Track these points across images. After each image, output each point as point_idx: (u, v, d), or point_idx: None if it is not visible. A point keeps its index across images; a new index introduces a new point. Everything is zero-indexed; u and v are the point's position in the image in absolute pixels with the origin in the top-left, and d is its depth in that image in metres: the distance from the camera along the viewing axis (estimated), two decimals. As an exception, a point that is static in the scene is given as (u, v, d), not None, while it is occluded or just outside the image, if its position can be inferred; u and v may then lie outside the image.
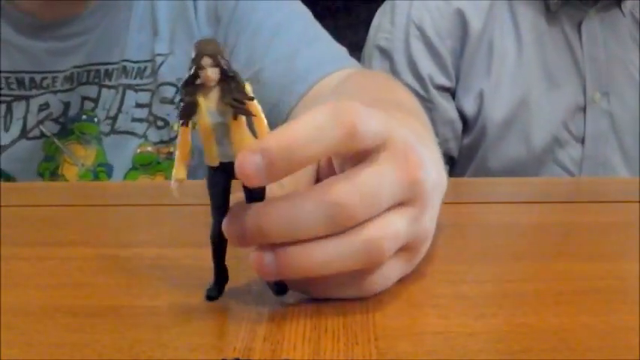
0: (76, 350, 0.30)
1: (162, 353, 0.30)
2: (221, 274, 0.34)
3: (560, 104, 0.98)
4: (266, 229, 0.31)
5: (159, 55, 0.79)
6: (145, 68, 0.79)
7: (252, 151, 0.30)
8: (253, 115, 0.31)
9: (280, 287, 0.34)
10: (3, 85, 0.77)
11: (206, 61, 0.30)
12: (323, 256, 0.32)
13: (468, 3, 0.98)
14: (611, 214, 0.53)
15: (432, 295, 0.36)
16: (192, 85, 0.31)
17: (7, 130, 0.77)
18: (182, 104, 0.31)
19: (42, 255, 0.43)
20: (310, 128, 0.31)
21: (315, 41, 0.78)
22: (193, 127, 0.32)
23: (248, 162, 0.30)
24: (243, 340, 0.31)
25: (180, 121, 0.31)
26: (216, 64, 0.30)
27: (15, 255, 0.43)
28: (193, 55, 0.30)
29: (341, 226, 0.32)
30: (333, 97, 0.61)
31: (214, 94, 0.31)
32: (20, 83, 0.77)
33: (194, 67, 0.30)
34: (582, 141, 0.99)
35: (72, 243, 0.46)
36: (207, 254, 0.42)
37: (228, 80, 0.30)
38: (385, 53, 1.00)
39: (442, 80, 0.99)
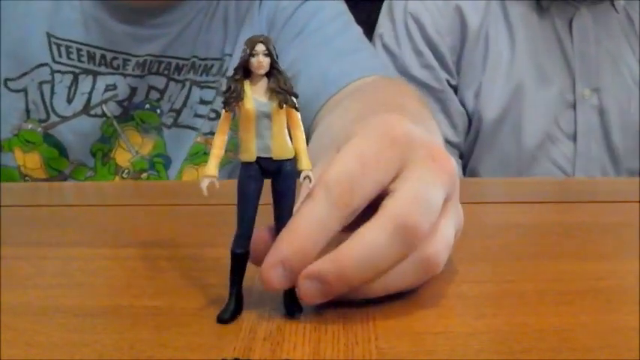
0: (76, 350, 0.30)
1: (162, 353, 0.30)
2: (237, 300, 0.33)
3: (550, 100, 0.98)
4: (350, 274, 0.32)
5: (227, 55, 0.81)
6: (212, 66, 0.81)
7: (272, 265, 0.31)
8: (296, 109, 0.32)
9: (295, 307, 0.33)
10: (74, 56, 0.77)
11: (259, 47, 0.31)
12: (392, 282, 0.33)
13: (466, 1, 0.99)
14: (611, 214, 0.53)
15: (432, 295, 0.36)
16: (241, 72, 0.32)
17: (69, 102, 0.77)
18: (229, 88, 0.32)
19: (42, 255, 0.43)
20: (312, 224, 0.32)
21: (356, 52, 0.80)
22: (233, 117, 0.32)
23: (272, 272, 0.31)
24: (243, 340, 0.31)
25: (224, 106, 0.32)
26: (268, 54, 0.31)
27: (15, 255, 0.43)
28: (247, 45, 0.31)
29: (412, 245, 0.33)
30: (351, 98, 0.63)
31: (261, 84, 0.32)
32: (91, 57, 0.77)
33: (247, 54, 0.31)
34: (574, 138, 0.98)
35: (72, 243, 0.46)
36: (207, 254, 0.42)
37: (275, 73, 0.32)
38: (389, 50, 1.00)
39: (444, 76, 0.99)
